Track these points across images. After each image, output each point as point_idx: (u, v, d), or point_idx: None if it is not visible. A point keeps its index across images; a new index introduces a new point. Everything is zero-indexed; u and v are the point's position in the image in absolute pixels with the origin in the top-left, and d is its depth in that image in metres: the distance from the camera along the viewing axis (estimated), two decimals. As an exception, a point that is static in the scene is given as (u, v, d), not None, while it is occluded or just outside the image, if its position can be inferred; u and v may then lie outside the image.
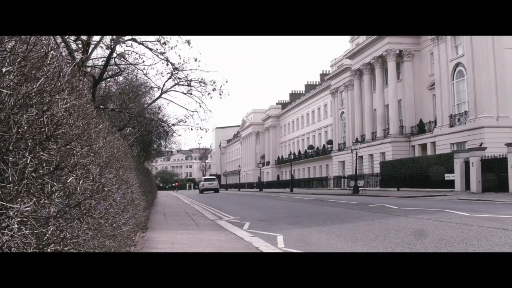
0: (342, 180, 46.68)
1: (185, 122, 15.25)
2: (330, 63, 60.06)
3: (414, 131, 39.60)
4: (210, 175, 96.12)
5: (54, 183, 2.12)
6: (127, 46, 12.91)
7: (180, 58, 13.35)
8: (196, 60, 13.23)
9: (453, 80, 33.63)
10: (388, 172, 37.08)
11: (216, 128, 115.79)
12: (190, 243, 7.73)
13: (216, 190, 51.04)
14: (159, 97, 15.95)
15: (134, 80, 15.92)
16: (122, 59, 13.21)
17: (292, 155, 59.84)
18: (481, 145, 26.87)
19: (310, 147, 65.76)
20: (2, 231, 1.69)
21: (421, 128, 38.51)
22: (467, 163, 26.51)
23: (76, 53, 11.33)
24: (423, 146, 38.07)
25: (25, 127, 1.93)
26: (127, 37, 11.93)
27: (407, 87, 40.14)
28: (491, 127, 29.72)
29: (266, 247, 6.97)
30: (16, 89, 1.94)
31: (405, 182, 33.45)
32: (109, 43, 11.98)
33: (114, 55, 12.58)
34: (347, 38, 53.79)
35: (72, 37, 10.87)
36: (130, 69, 14.25)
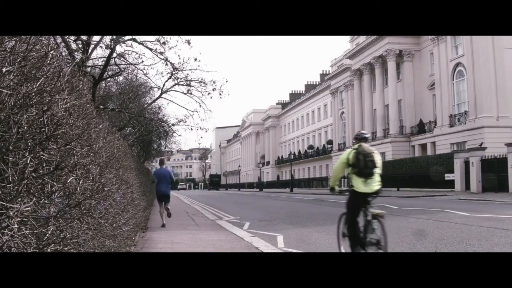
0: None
1: (185, 122, 15.27)
2: (330, 63, 60.05)
3: (414, 131, 39.59)
4: (210, 174, 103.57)
5: (54, 183, 2.12)
6: (127, 46, 12.90)
7: (180, 58, 13.39)
8: (196, 60, 13.23)
9: (453, 80, 33.63)
10: (388, 172, 37.06)
11: (216, 128, 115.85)
12: (190, 243, 7.72)
13: (184, 189, 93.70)
14: (159, 97, 15.96)
15: (134, 80, 15.91)
16: (122, 59, 13.19)
17: (292, 155, 59.84)
18: (481, 145, 26.86)
19: (310, 147, 65.76)
20: (2, 231, 1.69)
21: (421, 128, 38.51)
22: (467, 163, 26.51)
23: (76, 53, 11.32)
24: (423, 146, 38.07)
25: (25, 127, 1.93)
26: (127, 37, 11.92)
27: (407, 87, 40.14)
28: (491, 127, 29.71)
29: (266, 247, 6.97)
30: (16, 89, 1.94)
31: (405, 182, 33.45)
32: (109, 43, 11.97)
33: (114, 55, 12.56)
34: (347, 38, 53.84)
35: (72, 37, 10.86)
36: (130, 69, 14.23)
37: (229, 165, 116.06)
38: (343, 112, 53.46)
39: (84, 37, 11.03)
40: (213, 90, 13.69)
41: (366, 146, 5.89)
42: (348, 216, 5.93)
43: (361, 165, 5.69)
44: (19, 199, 1.79)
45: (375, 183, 5.69)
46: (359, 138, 5.97)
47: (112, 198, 3.79)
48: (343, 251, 5.95)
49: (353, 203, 5.86)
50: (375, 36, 39.75)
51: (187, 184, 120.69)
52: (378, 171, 5.74)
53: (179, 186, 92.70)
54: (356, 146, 5.90)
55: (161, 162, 12.26)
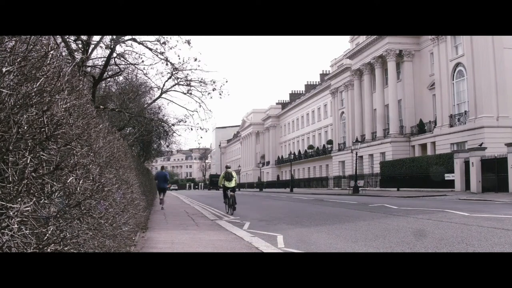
0: (342, 180, 46.71)
1: (185, 122, 15.34)
2: (330, 63, 60.06)
3: (414, 131, 39.60)
4: (210, 174, 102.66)
5: (54, 183, 2.12)
6: (127, 46, 12.92)
7: (179, 58, 13.43)
8: (196, 60, 13.25)
9: (453, 80, 33.63)
10: (388, 172, 37.09)
11: (216, 128, 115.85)
12: (190, 243, 7.73)
13: (176, 189, 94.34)
14: (159, 97, 15.98)
15: (134, 80, 15.92)
16: (122, 59, 13.19)
17: (292, 155, 59.83)
18: (481, 145, 26.87)
19: (310, 147, 65.75)
20: (2, 231, 1.69)
21: (421, 128, 38.51)
22: (467, 163, 26.51)
23: (76, 53, 11.33)
24: (423, 146, 38.07)
25: (25, 127, 1.93)
26: (127, 37, 11.93)
27: (407, 87, 40.15)
28: (491, 127, 29.71)
29: (266, 247, 6.97)
30: (16, 89, 1.94)
31: (405, 182, 33.46)
32: (109, 43, 11.97)
33: (114, 55, 12.57)
34: (347, 38, 53.83)
35: (72, 37, 10.86)
36: (130, 69, 14.24)
37: (229, 165, 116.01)
38: (343, 112, 53.46)
39: (84, 37, 11.03)
40: (213, 90, 13.73)
41: (229, 170, 15.09)
42: (224, 195, 14.97)
43: (226, 177, 14.74)
44: (19, 199, 1.79)
45: (232, 183, 14.69)
46: (226, 167, 15.78)
47: (112, 198, 3.79)
48: (226, 208, 15.06)
49: (224, 190, 14.89)
50: (375, 36, 39.76)
51: (187, 184, 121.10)
52: (233, 179, 14.75)
53: (171, 187, 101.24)
54: (226, 169, 15.21)
55: (162, 168, 19.35)
